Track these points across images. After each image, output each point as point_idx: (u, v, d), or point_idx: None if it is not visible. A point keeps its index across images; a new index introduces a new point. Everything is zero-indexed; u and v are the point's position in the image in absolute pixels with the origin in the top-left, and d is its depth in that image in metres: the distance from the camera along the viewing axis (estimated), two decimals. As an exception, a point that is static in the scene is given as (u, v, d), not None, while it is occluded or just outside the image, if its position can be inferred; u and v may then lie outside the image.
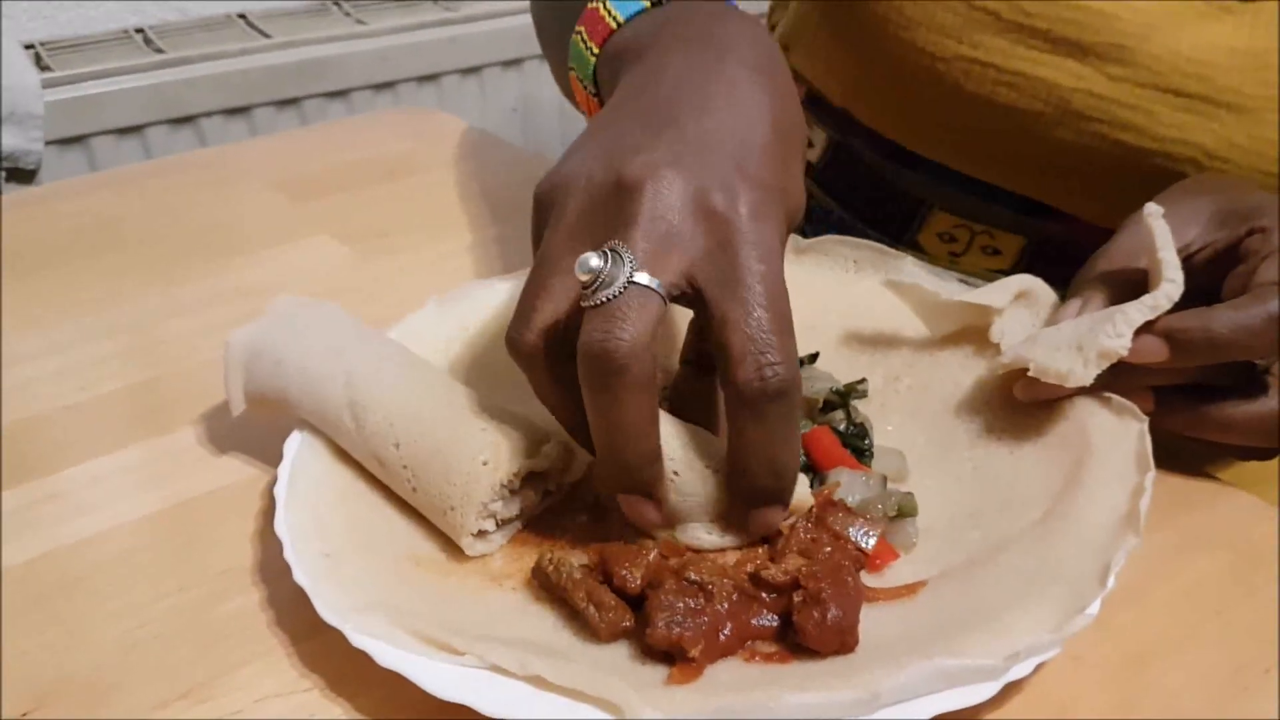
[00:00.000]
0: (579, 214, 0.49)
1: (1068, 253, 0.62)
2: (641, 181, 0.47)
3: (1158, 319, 0.54)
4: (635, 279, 0.45)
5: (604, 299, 0.45)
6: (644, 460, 0.48)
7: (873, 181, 0.80)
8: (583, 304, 0.46)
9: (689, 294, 0.48)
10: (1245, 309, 0.53)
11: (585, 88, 0.64)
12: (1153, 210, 0.56)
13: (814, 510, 0.52)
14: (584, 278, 0.46)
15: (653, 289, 0.46)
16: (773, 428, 0.46)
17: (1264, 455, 0.59)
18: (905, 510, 0.53)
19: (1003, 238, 0.76)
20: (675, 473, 0.50)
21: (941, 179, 0.76)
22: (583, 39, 0.62)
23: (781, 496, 0.49)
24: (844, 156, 0.82)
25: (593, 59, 0.61)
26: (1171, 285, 0.54)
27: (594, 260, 0.46)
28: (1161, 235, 0.55)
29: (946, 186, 0.76)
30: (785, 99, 0.53)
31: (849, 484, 0.54)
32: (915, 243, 0.79)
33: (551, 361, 0.49)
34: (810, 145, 0.84)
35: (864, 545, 0.51)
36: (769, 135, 0.50)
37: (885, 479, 0.55)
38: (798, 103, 0.54)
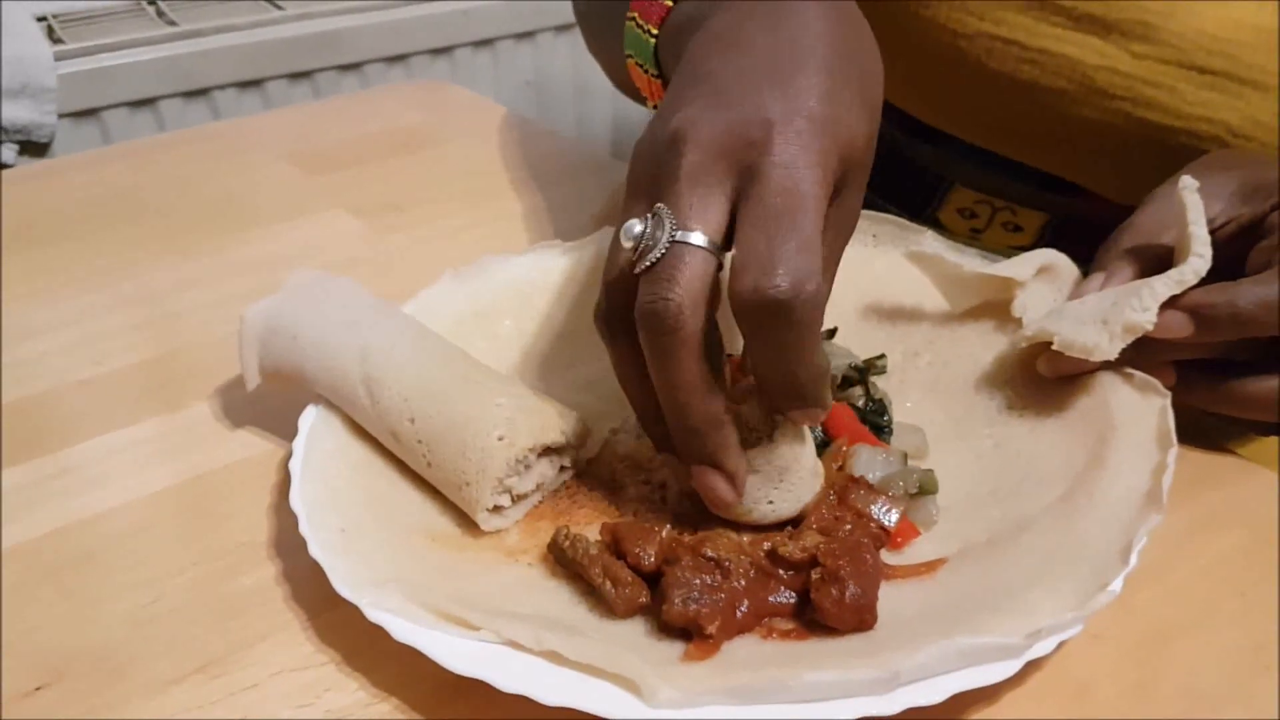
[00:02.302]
0: (635, 183, 0.49)
1: (1090, 229, 0.61)
2: (679, 135, 0.47)
3: (1183, 294, 0.53)
4: (677, 237, 0.45)
5: (650, 262, 0.45)
6: (708, 423, 0.47)
7: (893, 157, 0.80)
8: (635, 272, 0.46)
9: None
10: (1270, 284, 0.53)
11: (646, 71, 0.63)
12: (1188, 184, 0.55)
13: (836, 487, 0.51)
14: (628, 244, 0.46)
15: (697, 245, 0.45)
16: (777, 342, 0.45)
17: None
18: (926, 488, 0.53)
19: (1024, 214, 0.75)
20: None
21: (963, 155, 0.75)
22: (637, 23, 0.61)
23: (812, 401, 0.47)
24: None
25: (652, 40, 0.61)
26: (1199, 260, 0.53)
27: (636, 226, 0.46)
28: (1194, 209, 0.54)
29: (968, 162, 0.76)
30: (839, 27, 0.51)
31: (869, 461, 0.53)
32: (936, 219, 0.79)
33: (619, 334, 0.49)
34: None
35: (887, 523, 0.50)
36: (814, 63, 0.49)
37: (905, 456, 0.55)
38: (858, 33, 0.53)
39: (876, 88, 0.52)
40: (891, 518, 0.51)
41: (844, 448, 0.55)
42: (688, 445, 0.48)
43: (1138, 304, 0.53)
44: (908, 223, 0.69)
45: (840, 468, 0.54)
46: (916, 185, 0.79)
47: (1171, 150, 0.62)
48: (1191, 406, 0.56)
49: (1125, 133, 0.68)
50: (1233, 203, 0.58)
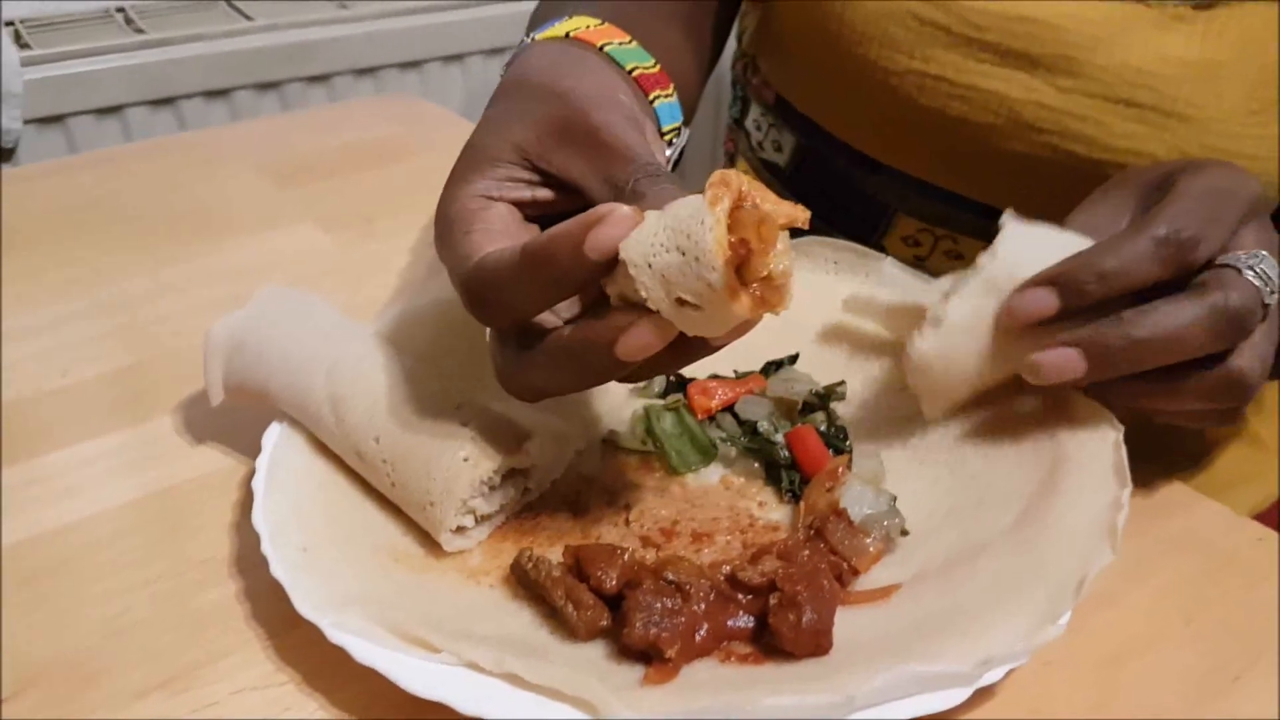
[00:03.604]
0: None
1: None
2: None
3: (1044, 272, 0.53)
4: None
5: None
6: (569, 353, 0.47)
7: (839, 186, 0.81)
8: None
9: None
10: (1130, 238, 0.52)
11: None
12: (1005, 219, 0.58)
13: (815, 522, 0.52)
14: None
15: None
16: (498, 312, 0.49)
17: (1221, 421, 0.57)
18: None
19: (965, 242, 0.77)
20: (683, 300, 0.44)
21: (904, 185, 0.77)
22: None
23: (568, 278, 0.46)
24: (811, 161, 0.83)
25: None
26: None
27: None
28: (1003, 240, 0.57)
29: (909, 192, 0.77)
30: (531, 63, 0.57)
31: (858, 496, 0.54)
32: (881, 247, 0.80)
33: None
34: (779, 149, 0.85)
35: (857, 565, 0.51)
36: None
37: (894, 498, 0.54)
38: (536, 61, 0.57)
39: (534, 94, 0.54)
40: (863, 560, 0.51)
41: (840, 470, 0.55)
42: (598, 371, 0.47)
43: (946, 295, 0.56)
44: (868, 250, 0.70)
45: (830, 489, 0.54)
46: (862, 214, 0.80)
47: (1100, 181, 0.63)
48: (1125, 406, 0.56)
49: (1054, 165, 0.69)
50: (1136, 213, 0.58)
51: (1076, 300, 0.52)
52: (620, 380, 0.49)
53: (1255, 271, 0.51)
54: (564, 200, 0.52)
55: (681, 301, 0.43)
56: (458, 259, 0.49)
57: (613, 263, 0.44)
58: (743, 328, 0.45)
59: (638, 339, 0.44)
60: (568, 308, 0.49)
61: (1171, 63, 0.65)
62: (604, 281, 0.46)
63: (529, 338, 0.48)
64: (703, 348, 0.47)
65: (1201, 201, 0.53)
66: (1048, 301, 0.53)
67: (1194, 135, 0.65)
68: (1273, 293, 0.52)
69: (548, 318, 0.49)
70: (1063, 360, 0.52)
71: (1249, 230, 0.54)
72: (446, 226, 0.51)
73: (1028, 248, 0.55)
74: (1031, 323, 0.53)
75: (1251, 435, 0.81)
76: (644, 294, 0.43)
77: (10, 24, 1.51)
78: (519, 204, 0.53)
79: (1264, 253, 0.52)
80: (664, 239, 0.42)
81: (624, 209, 0.44)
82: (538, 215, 0.53)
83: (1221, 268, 0.52)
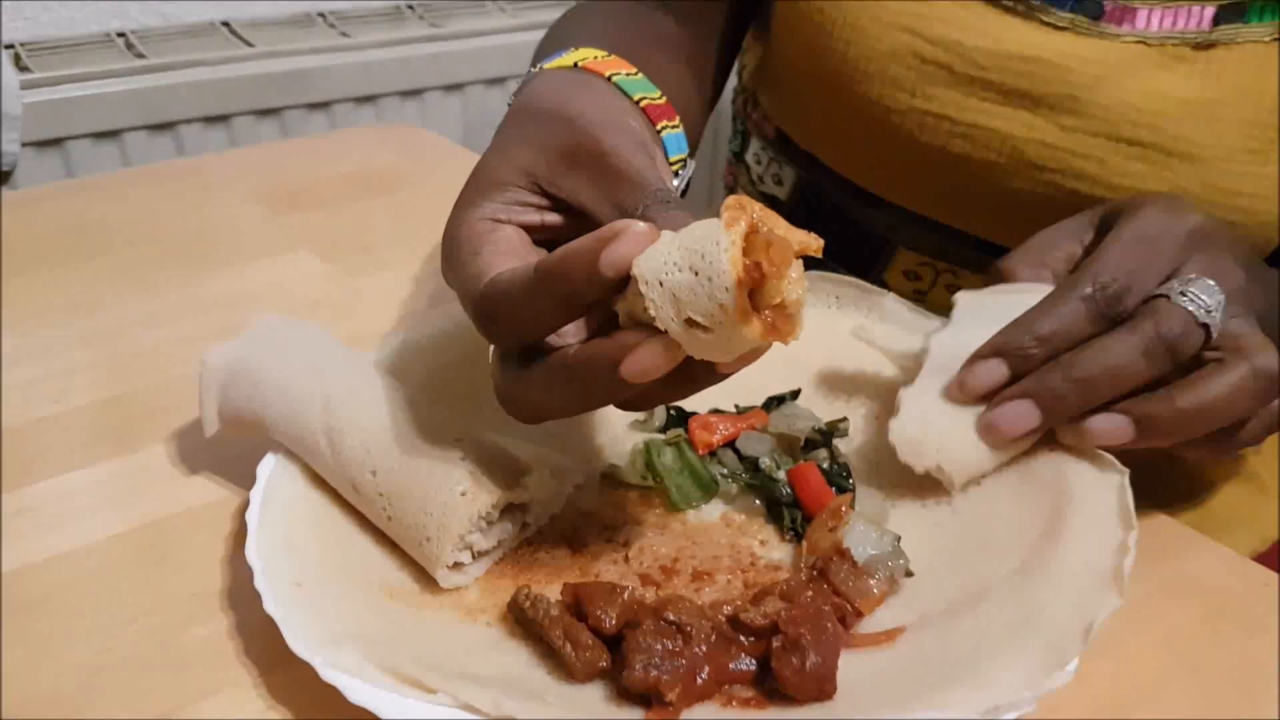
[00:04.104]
0: None
1: None
2: None
3: (988, 344, 0.56)
4: None
5: None
6: (575, 372, 0.46)
7: (840, 220, 0.81)
8: None
9: None
10: (1062, 299, 0.55)
11: None
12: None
13: (818, 562, 0.51)
14: None
15: None
16: (508, 327, 0.48)
17: (1246, 442, 0.56)
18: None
19: (966, 276, 0.77)
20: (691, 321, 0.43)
21: (905, 220, 0.77)
22: None
23: (579, 292, 0.45)
24: (811, 195, 0.83)
25: None
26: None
27: None
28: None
29: (910, 227, 0.77)
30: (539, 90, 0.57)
31: (862, 536, 0.53)
32: (882, 280, 0.80)
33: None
34: (780, 183, 0.85)
35: (861, 608, 0.50)
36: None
37: (899, 538, 0.54)
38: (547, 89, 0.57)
39: (542, 118, 0.54)
40: (868, 603, 0.51)
41: (843, 509, 0.54)
42: (601, 392, 0.46)
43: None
44: (869, 286, 0.70)
45: (833, 529, 0.54)
46: (862, 248, 0.80)
47: None
48: (1157, 445, 0.55)
49: (1056, 202, 0.69)
50: (1091, 236, 0.61)
51: (1024, 365, 0.55)
52: (622, 407, 0.49)
53: (1187, 296, 0.53)
54: (572, 225, 0.52)
55: (691, 323, 0.42)
56: (468, 278, 0.49)
57: (625, 281, 0.44)
58: (751, 355, 0.45)
59: (644, 359, 0.44)
60: (575, 333, 0.48)
61: (1171, 102, 0.65)
62: (614, 301, 0.45)
63: (533, 357, 0.48)
64: (708, 375, 0.46)
65: (1127, 251, 0.56)
66: (998, 371, 0.55)
67: (1195, 174, 0.66)
68: (1209, 312, 0.53)
69: (554, 339, 0.48)
70: (1014, 413, 0.55)
71: (1194, 262, 0.56)
72: (455, 248, 0.51)
73: (962, 324, 0.60)
74: (985, 393, 0.56)
75: (1250, 474, 0.80)
76: (654, 312, 0.43)
77: (10, 47, 1.50)
78: (527, 228, 0.53)
79: (1197, 277, 0.54)
80: (677, 258, 0.42)
81: (640, 225, 0.43)
82: (546, 240, 0.53)
83: (1154, 299, 0.54)
